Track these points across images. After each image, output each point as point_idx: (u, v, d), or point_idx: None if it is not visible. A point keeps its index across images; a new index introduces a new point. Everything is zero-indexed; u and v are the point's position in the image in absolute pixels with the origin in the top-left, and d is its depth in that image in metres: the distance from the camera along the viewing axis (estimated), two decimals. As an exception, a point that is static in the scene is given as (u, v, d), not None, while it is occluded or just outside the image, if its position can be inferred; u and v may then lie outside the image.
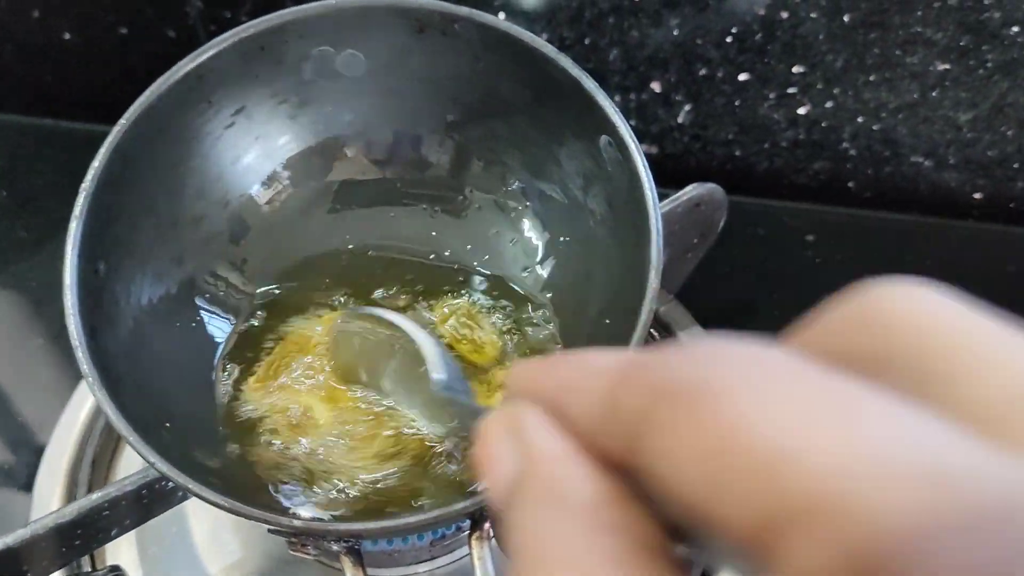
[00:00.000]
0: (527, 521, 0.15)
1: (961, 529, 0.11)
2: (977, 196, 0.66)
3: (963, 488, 0.11)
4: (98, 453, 0.53)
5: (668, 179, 0.54)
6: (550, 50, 0.43)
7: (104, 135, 0.42)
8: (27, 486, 0.53)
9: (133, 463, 0.52)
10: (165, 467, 0.35)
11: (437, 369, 0.36)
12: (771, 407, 0.13)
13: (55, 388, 0.58)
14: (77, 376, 0.57)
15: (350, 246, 0.50)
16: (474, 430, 0.18)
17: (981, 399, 0.13)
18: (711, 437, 0.13)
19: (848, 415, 0.12)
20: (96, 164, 0.41)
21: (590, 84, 0.42)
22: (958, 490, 0.11)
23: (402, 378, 0.41)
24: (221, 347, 0.46)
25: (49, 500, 0.51)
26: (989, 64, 0.59)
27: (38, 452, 0.54)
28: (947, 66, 0.59)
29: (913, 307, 0.15)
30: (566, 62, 0.42)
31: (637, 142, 0.41)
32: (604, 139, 0.42)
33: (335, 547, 0.36)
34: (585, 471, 0.15)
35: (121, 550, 0.48)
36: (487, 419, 0.18)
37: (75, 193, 0.40)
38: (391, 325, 0.40)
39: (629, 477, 0.15)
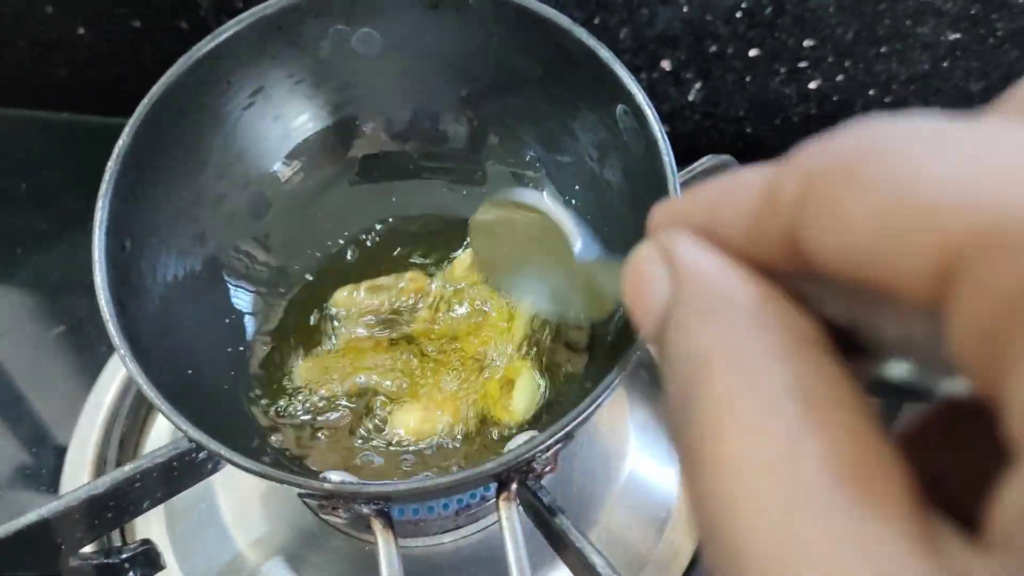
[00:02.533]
0: (688, 334, 0.15)
1: None
2: (989, 167, 0.66)
3: None
4: (125, 434, 0.54)
5: (680, 158, 0.54)
6: (565, 21, 0.43)
7: (120, 127, 0.42)
8: (57, 469, 0.54)
9: (159, 442, 0.53)
10: (196, 434, 0.35)
11: (577, 239, 0.34)
12: (942, 155, 0.12)
13: (77, 375, 0.59)
14: (99, 362, 0.58)
15: (372, 220, 0.51)
16: (611, 296, 0.16)
17: None
18: (883, 192, 0.12)
19: (997, 161, 0.12)
20: (120, 143, 0.42)
21: (605, 53, 0.42)
22: None
23: (541, 261, 0.39)
24: (255, 320, 0.47)
25: (78, 479, 0.51)
26: (999, 33, 0.59)
27: (61, 439, 0.55)
28: (958, 35, 0.60)
29: None
30: (581, 32, 0.43)
31: (654, 109, 0.41)
32: (620, 108, 0.43)
33: (365, 510, 0.36)
34: (742, 277, 0.15)
35: (151, 525, 0.49)
36: (635, 251, 0.17)
37: (92, 185, 0.41)
38: (527, 208, 0.38)
39: (787, 282, 0.14)
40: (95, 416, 0.54)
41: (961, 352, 0.12)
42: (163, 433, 0.54)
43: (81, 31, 0.72)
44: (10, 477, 0.56)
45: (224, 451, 0.35)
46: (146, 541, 0.45)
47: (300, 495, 0.36)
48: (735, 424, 0.13)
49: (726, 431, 0.13)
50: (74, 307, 0.64)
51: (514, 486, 0.37)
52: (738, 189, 0.16)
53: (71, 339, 0.63)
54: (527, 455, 0.35)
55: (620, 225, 0.45)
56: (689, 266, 0.15)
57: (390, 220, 0.51)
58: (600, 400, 0.35)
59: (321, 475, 0.36)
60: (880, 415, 0.13)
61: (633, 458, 0.51)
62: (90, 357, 0.60)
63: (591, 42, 0.42)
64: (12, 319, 0.64)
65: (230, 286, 0.47)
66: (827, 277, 0.14)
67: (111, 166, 0.41)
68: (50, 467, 0.55)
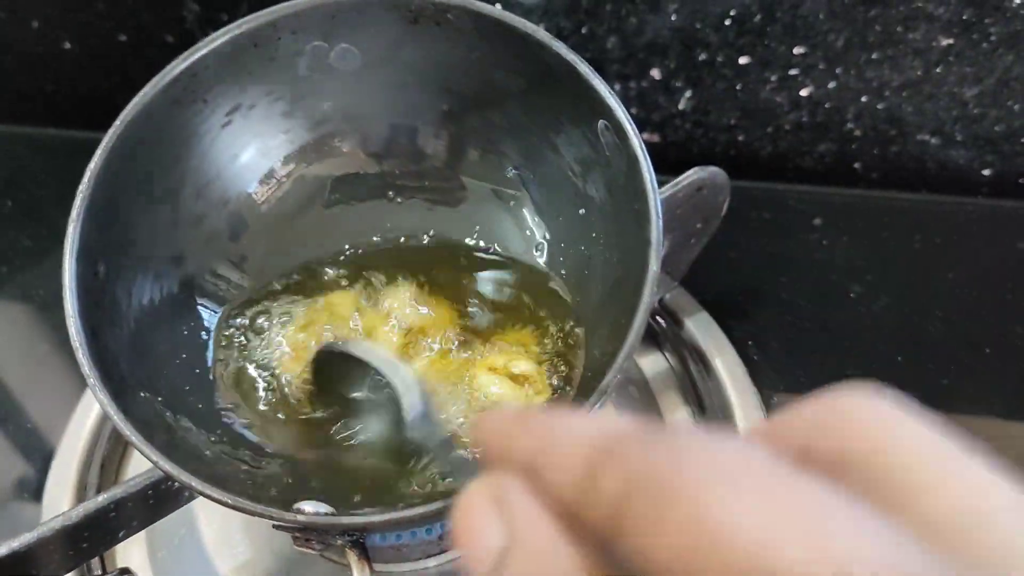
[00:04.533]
0: None
1: None
2: (986, 172, 0.65)
3: None
4: (107, 456, 0.53)
5: (671, 167, 0.53)
6: (544, 36, 0.42)
7: (107, 143, 0.42)
8: (38, 491, 0.53)
9: (141, 465, 0.52)
10: (168, 466, 0.35)
11: (413, 407, 0.36)
12: (746, 508, 0.13)
13: (63, 394, 0.59)
14: (84, 381, 0.57)
15: (349, 240, 0.50)
16: (446, 463, 0.17)
17: (934, 513, 0.14)
18: (688, 534, 0.14)
19: (817, 520, 0.13)
20: (92, 166, 0.41)
21: (585, 69, 0.41)
22: None
23: (376, 415, 0.41)
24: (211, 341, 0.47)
25: (59, 504, 0.51)
26: (993, 37, 0.58)
27: (47, 457, 0.54)
28: (950, 41, 0.59)
29: (873, 417, 0.16)
30: (560, 47, 0.42)
31: (634, 125, 0.40)
32: (601, 123, 0.42)
33: (339, 541, 0.35)
34: (571, 552, 0.15)
35: (131, 552, 0.48)
36: (470, 490, 0.18)
37: (77, 200, 0.40)
38: (367, 363, 0.40)
39: (608, 546, 0.15)
40: (77, 438, 0.53)
41: None
42: (146, 455, 0.53)
43: (67, 45, 0.72)
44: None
45: (195, 482, 0.35)
46: (125, 570, 0.44)
47: (274, 527, 0.36)
48: None
49: None
50: (59, 325, 0.63)
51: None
52: (568, 447, 0.16)
53: (57, 356, 0.62)
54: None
55: (603, 241, 0.45)
56: (523, 527, 0.16)
57: (368, 240, 0.50)
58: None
59: (295, 506, 0.36)
60: None
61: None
62: (76, 375, 0.59)
63: (570, 56, 0.42)
64: (-3, 337, 0.64)
65: (203, 309, 0.47)
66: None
67: (82, 189, 0.40)
68: (33, 487, 0.54)
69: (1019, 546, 0.14)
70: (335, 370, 0.43)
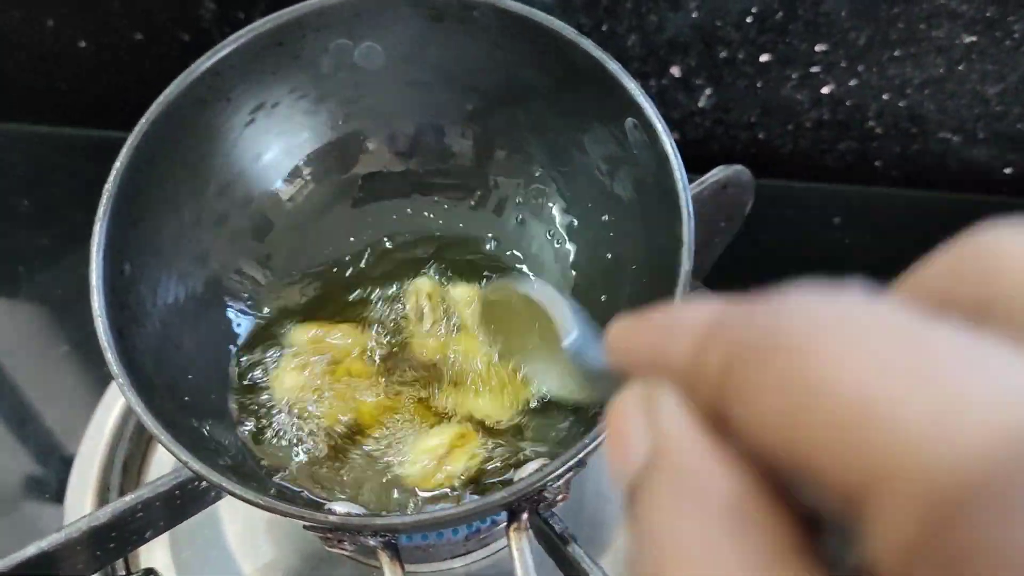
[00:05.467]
0: (661, 513, 0.14)
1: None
2: (1008, 171, 0.65)
3: None
4: (128, 457, 0.53)
5: (691, 165, 0.52)
6: (571, 33, 0.42)
7: (123, 141, 0.41)
8: (58, 492, 0.53)
9: (163, 466, 0.52)
10: (198, 466, 0.35)
11: (567, 333, 0.34)
12: (852, 361, 0.12)
13: (82, 394, 0.58)
14: (104, 381, 0.57)
15: (375, 239, 0.50)
16: (602, 392, 0.17)
17: None
18: (791, 394, 0.12)
19: (931, 366, 0.12)
20: (118, 165, 0.41)
21: (614, 66, 0.41)
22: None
23: (541, 346, 0.39)
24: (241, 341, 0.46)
25: (81, 505, 0.50)
26: (1016, 35, 0.58)
27: (67, 459, 0.54)
28: (973, 38, 0.58)
29: (1015, 251, 0.14)
30: (588, 44, 0.42)
31: (664, 123, 0.40)
32: (630, 122, 0.41)
33: (371, 542, 0.35)
34: (721, 463, 0.14)
35: (155, 553, 0.48)
36: (621, 395, 0.17)
37: (96, 200, 0.40)
38: (527, 296, 0.38)
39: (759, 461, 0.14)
40: (98, 439, 0.53)
41: (880, 559, 0.12)
42: (167, 456, 0.53)
43: (82, 44, 0.72)
44: (17, 496, 0.55)
45: (225, 483, 0.34)
46: (150, 570, 0.44)
47: (305, 527, 0.35)
48: None
49: None
50: (78, 325, 0.63)
51: (525, 515, 0.36)
52: (677, 335, 0.16)
53: (76, 357, 0.62)
54: (538, 484, 0.34)
55: (631, 239, 0.44)
56: (670, 437, 0.15)
57: (394, 239, 0.50)
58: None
59: (326, 507, 0.35)
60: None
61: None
62: (96, 376, 0.59)
63: (598, 54, 0.41)
64: (16, 337, 0.64)
65: (229, 307, 0.46)
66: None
67: (108, 188, 0.40)
68: (53, 490, 0.54)
69: None
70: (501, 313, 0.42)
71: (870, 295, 0.13)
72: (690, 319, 0.15)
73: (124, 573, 0.47)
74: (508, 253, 0.49)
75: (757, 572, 0.13)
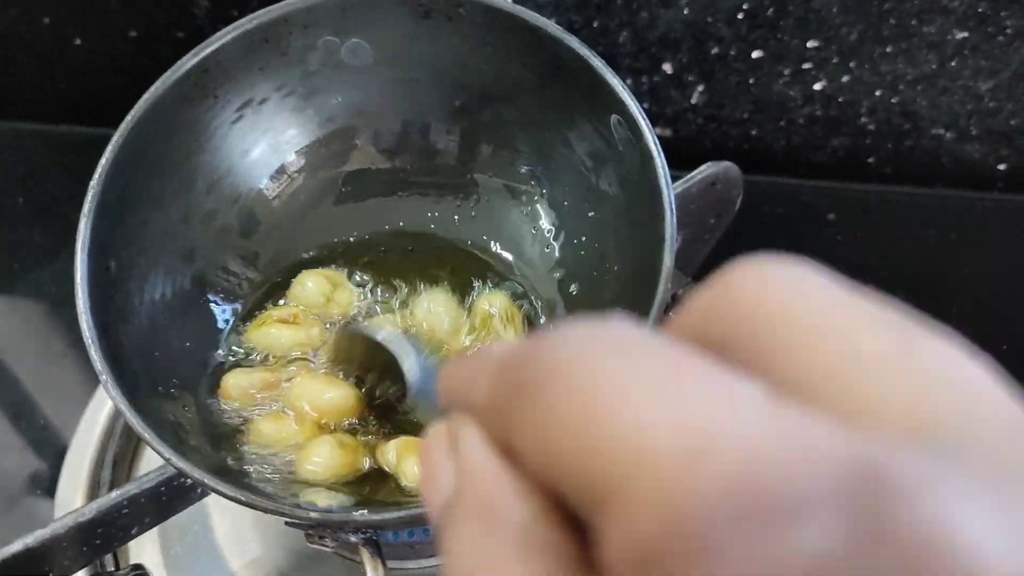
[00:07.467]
0: (461, 539, 0.15)
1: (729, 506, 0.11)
2: (1001, 167, 0.65)
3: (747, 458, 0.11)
4: (119, 453, 0.53)
5: (683, 161, 0.53)
6: (556, 30, 0.42)
7: (118, 139, 0.42)
8: (51, 488, 0.53)
9: (152, 462, 0.52)
10: (181, 463, 0.35)
11: (411, 383, 0.35)
12: (604, 385, 0.13)
13: (75, 391, 0.59)
14: (97, 378, 0.57)
15: (361, 237, 0.50)
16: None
17: (811, 367, 0.13)
18: (551, 426, 0.13)
19: (671, 390, 0.12)
20: (103, 162, 0.41)
21: (598, 63, 0.41)
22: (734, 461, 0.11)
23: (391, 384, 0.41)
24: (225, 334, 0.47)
25: (72, 501, 0.51)
26: (1008, 30, 0.57)
27: (60, 454, 0.54)
28: (965, 34, 0.58)
29: (757, 289, 0.15)
30: (573, 41, 0.42)
31: (648, 120, 0.40)
32: (614, 118, 0.41)
33: (353, 539, 0.35)
34: (514, 491, 0.15)
35: (144, 549, 0.48)
36: (430, 432, 0.18)
37: (89, 196, 0.40)
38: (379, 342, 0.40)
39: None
40: (89, 435, 0.53)
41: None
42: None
43: (78, 42, 0.72)
44: (13, 491, 0.56)
45: (208, 479, 0.35)
46: (137, 566, 0.44)
47: (287, 523, 0.35)
48: None
49: None
50: (72, 322, 0.63)
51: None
52: (481, 372, 0.16)
53: (71, 354, 0.62)
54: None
55: (616, 236, 0.44)
56: (470, 470, 0.16)
57: (378, 237, 0.50)
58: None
59: (308, 503, 0.36)
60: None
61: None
62: (90, 372, 0.59)
63: (583, 51, 0.41)
64: (11, 335, 0.64)
65: (214, 304, 0.46)
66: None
67: (93, 185, 0.40)
68: (48, 485, 0.54)
69: (898, 393, 0.13)
70: (355, 352, 0.43)
71: (633, 328, 0.14)
72: (490, 359, 0.16)
73: (113, 569, 0.47)
74: (494, 249, 0.49)
75: None
